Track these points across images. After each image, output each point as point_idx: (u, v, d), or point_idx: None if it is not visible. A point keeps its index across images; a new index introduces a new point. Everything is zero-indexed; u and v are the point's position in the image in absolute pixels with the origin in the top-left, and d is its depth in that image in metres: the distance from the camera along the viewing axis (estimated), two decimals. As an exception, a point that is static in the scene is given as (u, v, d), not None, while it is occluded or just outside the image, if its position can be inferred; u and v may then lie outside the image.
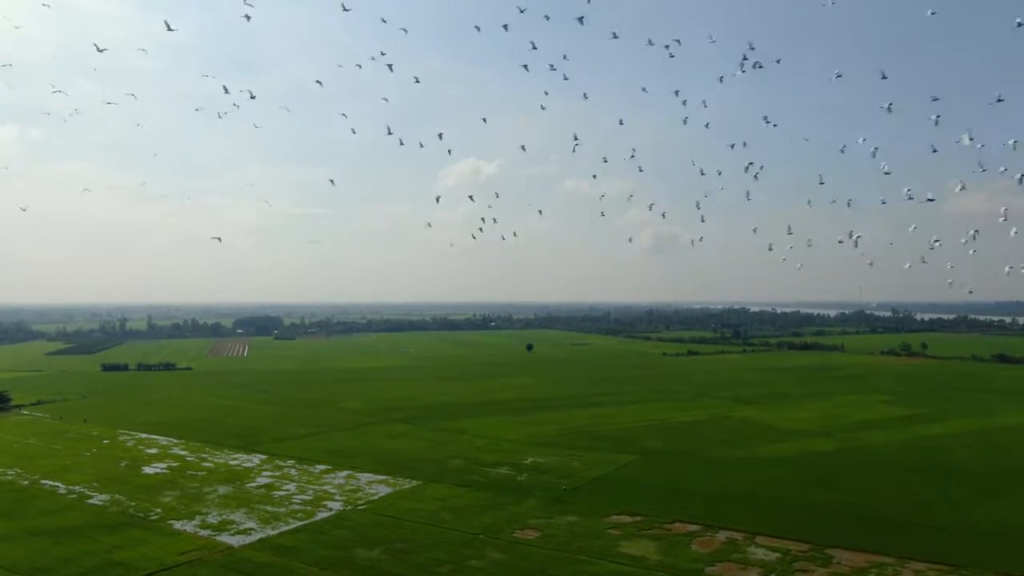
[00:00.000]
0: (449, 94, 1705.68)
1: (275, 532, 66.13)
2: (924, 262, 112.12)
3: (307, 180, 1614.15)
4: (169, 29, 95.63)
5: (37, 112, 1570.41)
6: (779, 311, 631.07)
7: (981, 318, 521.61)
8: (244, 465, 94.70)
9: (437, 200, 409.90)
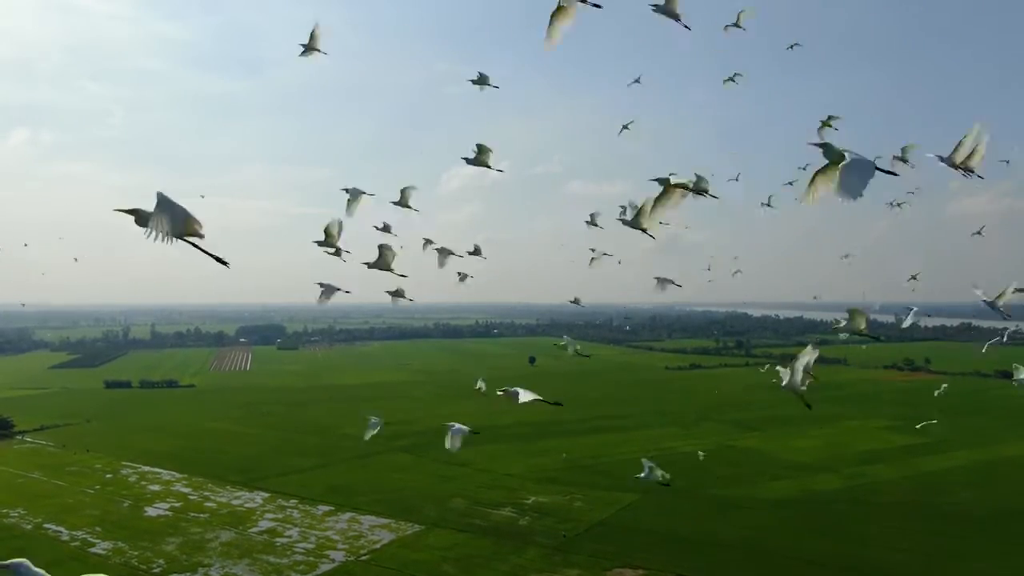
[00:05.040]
0: (453, 95, 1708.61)
1: (277, 589, 66.41)
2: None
3: (307, 180, 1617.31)
4: None
5: (47, 113, 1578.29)
6: (782, 316, 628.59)
7: (984, 324, 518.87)
8: (247, 506, 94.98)
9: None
